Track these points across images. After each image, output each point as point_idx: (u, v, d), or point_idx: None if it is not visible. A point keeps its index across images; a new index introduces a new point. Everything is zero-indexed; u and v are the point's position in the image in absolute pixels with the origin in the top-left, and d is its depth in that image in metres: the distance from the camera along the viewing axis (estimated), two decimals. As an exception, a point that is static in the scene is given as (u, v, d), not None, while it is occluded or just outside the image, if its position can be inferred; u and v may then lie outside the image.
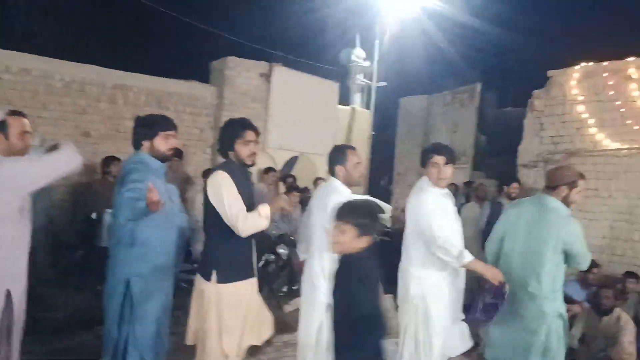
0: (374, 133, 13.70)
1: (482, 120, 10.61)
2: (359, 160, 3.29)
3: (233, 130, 3.03)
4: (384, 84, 14.25)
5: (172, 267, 3.18)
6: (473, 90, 9.77)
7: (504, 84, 14.34)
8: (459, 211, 7.01)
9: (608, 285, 5.02)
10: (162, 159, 3.13)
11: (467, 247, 3.87)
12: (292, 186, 7.51)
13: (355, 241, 2.27)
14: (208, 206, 2.96)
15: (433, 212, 3.24)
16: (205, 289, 2.95)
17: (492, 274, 3.22)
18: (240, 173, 3.00)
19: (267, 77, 9.49)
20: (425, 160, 3.33)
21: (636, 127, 6.62)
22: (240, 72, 9.28)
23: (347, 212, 2.31)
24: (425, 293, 3.27)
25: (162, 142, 3.08)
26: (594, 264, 5.69)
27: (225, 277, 2.92)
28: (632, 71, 6.75)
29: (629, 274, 5.75)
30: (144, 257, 2.98)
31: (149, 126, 3.11)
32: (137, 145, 3.12)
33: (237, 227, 2.82)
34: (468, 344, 3.40)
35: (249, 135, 3.01)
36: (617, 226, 6.73)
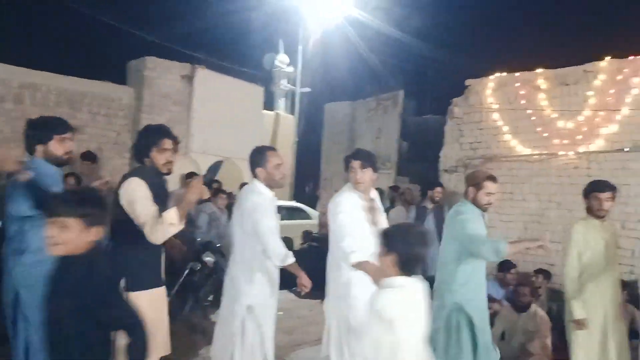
0: (298, 139, 13.71)
1: (404, 127, 10.93)
2: (280, 161, 3.28)
3: (150, 138, 2.96)
4: (308, 89, 14.33)
5: None
6: (396, 97, 10.04)
7: (423, 91, 14.92)
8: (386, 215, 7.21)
9: (524, 283, 5.29)
10: (58, 163, 3.00)
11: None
12: (218, 190, 7.27)
13: (84, 235, 1.94)
14: (117, 212, 2.85)
15: (342, 212, 3.30)
16: None
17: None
18: (155, 180, 2.93)
19: (189, 79, 9.20)
20: (346, 165, 3.44)
21: (545, 134, 7.09)
22: (161, 73, 8.93)
23: (66, 204, 1.94)
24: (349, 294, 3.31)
25: (58, 146, 2.96)
26: (511, 265, 6.00)
27: (133, 285, 2.83)
28: (541, 82, 7.24)
29: (539, 271, 6.13)
30: (35, 266, 2.72)
31: (42, 129, 2.97)
32: (30, 150, 2.99)
33: (146, 234, 2.73)
34: None
35: (166, 143, 2.95)
36: (530, 227, 7.16)
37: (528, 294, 4.94)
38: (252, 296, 3.25)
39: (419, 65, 15.75)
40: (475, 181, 3.53)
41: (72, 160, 3.03)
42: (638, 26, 13.46)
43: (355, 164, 3.31)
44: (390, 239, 2.24)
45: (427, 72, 15.62)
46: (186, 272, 5.89)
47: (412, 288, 2.20)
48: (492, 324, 5.10)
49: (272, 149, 3.38)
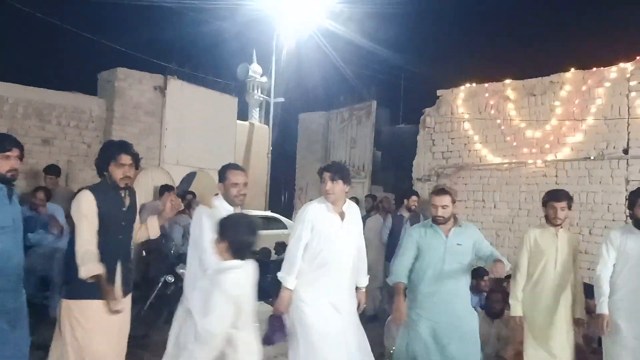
0: (273, 149, 13.70)
1: (378, 137, 11.04)
2: (237, 181, 3.27)
3: (108, 152, 3.12)
4: (282, 99, 14.36)
5: (14, 289, 3.01)
6: (369, 107, 10.15)
7: (397, 102, 15.11)
8: (363, 223, 7.25)
9: (497, 289, 5.38)
10: (2, 181, 2.98)
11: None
12: (190, 203, 7.19)
13: None
14: (69, 221, 3.08)
15: (301, 223, 3.42)
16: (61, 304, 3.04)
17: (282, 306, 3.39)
18: (111, 194, 3.09)
19: (161, 89, 9.10)
20: (319, 176, 3.53)
21: (515, 144, 7.28)
22: (132, 84, 8.80)
23: None
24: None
25: (1, 163, 2.95)
26: (484, 272, 6.10)
27: (73, 293, 2.95)
28: (509, 92, 7.44)
29: (509, 277, 6.23)
30: None
31: None
32: None
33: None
34: None
35: (123, 158, 3.08)
36: (502, 234, 7.31)
37: (501, 300, 5.02)
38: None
39: (393, 76, 15.97)
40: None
41: (15, 177, 3.01)
42: (600, 38, 13.97)
43: (326, 175, 3.41)
44: (223, 228, 2.54)
45: (401, 83, 15.83)
46: (159, 284, 5.81)
47: (248, 269, 2.58)
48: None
49: (235, 168, 3.41)
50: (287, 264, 3.40)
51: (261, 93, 15.01)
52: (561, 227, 3.97)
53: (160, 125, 9.09)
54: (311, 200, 4.16)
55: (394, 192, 8.17)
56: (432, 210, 3.66)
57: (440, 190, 3.72)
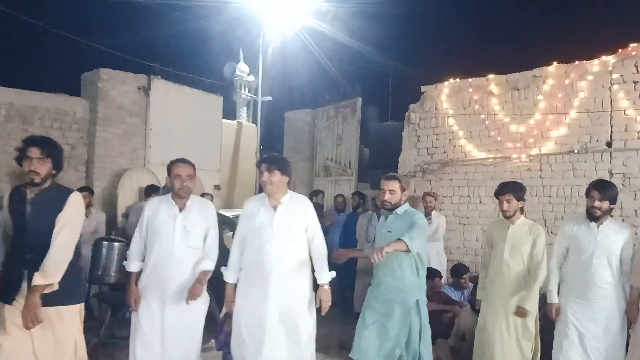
0: (262, 147, 13.64)
1: (365, 134, 11.03)
2: (179, 173, 3.43)
3: (22, 148, 3.04)
4: (269, 98, 14.29)
5: None
6: (354, 104, 10.13)
7: (384, 98, 15.11)
8: (352, 220, 7.25)
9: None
10: None
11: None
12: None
13: None
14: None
15: (239, 221, 3.52)
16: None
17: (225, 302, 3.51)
18: (20, 189, 3.03)
19: (145, 90, 9.03)
20: (258, 169, 3.65)
21: (499, 138, 7.30)
22: (115, 84, 8.74)
23: None
24: None
25: None
26: (464, 270, 6.13)
27: (45, 300, 2.82)
28: (492, 87, 7.46)
29: None
30: None
31: None
32: None
33: None
34: None
35: (30, 151, 2.97)
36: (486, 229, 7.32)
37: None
38: None
39: (381, 73, 15.95)
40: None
41: None
42: (582, 31, 14.06)
43: (263, 166, 3.36)
44: None
45: (387, 80, 15.81)
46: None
47: None
48: (452, 325, 5.21)
49: (180, 161, 3.51)
50: (229, 259, 3.50)
51: (248, 92, 14.94)
52: (519, 218, 4.05)
53: (145, 126, 9.03)
54: None
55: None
56: (380, 195, 3.71)
57: (389, 176, 3.76)
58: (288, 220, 3.35)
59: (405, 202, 3.73)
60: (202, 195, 7.64)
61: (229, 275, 3.46)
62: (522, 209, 4.08)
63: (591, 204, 3.77)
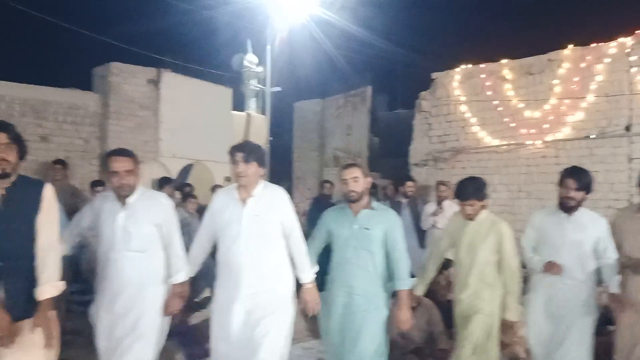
0: (272, 138, 13.61)
1: (375, 123, 10.94)
2: (116, 169, 2.92)
3: None
4: (278, 89, 14.22)
5: None
6: (364, 93, 10.05)
7: (394, 86, 15.01)
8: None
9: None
10: None
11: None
12: (188, 194, 7.14)
13: None
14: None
15: (205, 215, 3.16)
16: None
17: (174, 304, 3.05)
18: None
19: (155, 83, 9.06)
20: (230, 158, 3.09)
21: (513, 125, 7.18)
22: (126, 78, 8.78)
23: None
24: None
25: None
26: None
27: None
28: (506, 72, 7.33)
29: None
30: None
31: None
32: None
33: None
34: None
35: None
36: (502, 218, 7.18)
37: None
38: None
39: (389, 61, 15.80)
40: None
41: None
42: (599, 12, 13.79)
43: (239, 156, 2.97)
44: None
45: (397, 67, 15.69)
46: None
47: None
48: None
49: (117, 153, 3.00)
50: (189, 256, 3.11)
51: (257, 83, 14.88)
52: (481, 215, 3.53)
53: (156, 119, 9.08)
54: (309, 189, 4.01)
55: (392, 178, 8.10)
56: (343, 187, 3.23)
57: (349, 164, 3.35)
58: (259, 215, 2.98)
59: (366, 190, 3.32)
60: (214, 187, 7.64)
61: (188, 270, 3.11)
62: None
63: (565, 193, 3.35)
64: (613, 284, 3.31)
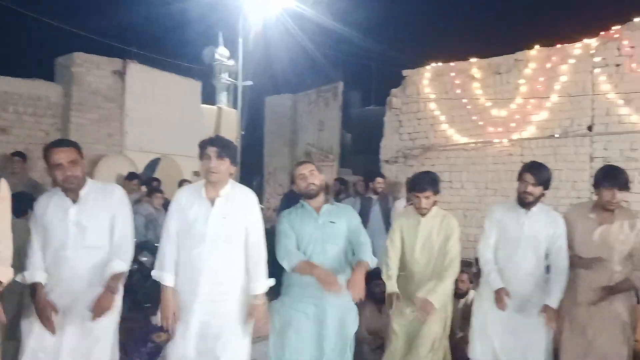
0: (243, 133, 13.48)
1: (347, 119, 10.94)
2: (58, 161, 2.71)
3: None
4: (249, 83, 14.09)
5: None
6: (336, 89, 10.02)
7: (367, 83, 15.02)
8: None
9: (462, 270, 5.37)
10: None
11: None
12: (155, 189, 6.99)
13: None
14: None
15: (167, 216, 2.96)
16: None
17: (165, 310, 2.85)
18: None
19: (120, 74, 8.84)
20: (201, 152, 2.94)
21: (481, 123, 7.26)
22: (90, 69, 8.55)
23: None
24: None
25: None
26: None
27: None
28: (474, 71, 7.39)
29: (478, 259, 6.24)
30: None
31: None
32: None
33: None
34: None
35: None
36: (469, 214, 7.32)
37: (466, 280, 5.03)
38: None
39: (363, 57, 15.82)
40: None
41: None
42: (565, 13, 14.09)
43: (212, 150, 2.81)
44: None
45: (371, 64, 15.71)
46: (122, 273, 5.65)
47: None
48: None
49: (57, 144, 2.80)
50: (157, 260, 2.90)
51: (229, 76, 14.71)
52: (432, 211, 3.57)
53: (121, 111, 8.87)
54: (280, 185, 3.91)
55: (363, 175, 8.11)
56: (300, 182, 3.18)
57: (302, 161, 3.35)
58: (227, 217, 2.81)
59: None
60: (181, 182, 7.50)
61: (165, 277, 2.81)
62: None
63: (523, 188, 3.34)
64: (554, 297, 3.26)
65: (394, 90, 8.27)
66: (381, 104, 9.06)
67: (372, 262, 3.12)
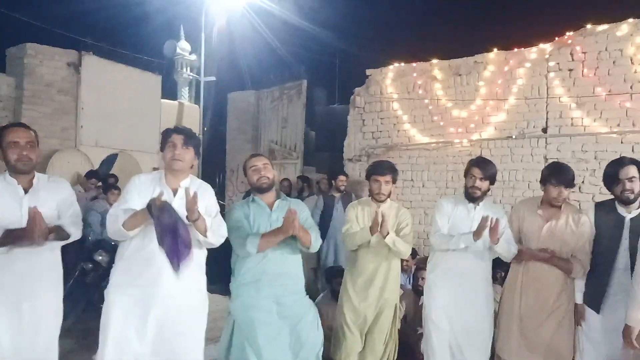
0: (205, 129, 13.27)
1: (311, 117, 10.91)
2: (15, 139, 2.71)
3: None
4: (212, 78, 13.88)
5: None
6: (300, 86, 9.97)
7: (332, 81, 15.04)
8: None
9: (423, 267, 5.45)
10: None
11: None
12: (111, 185, 6.78)
13: None
14: None
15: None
16: None
17: None
18: None
19: (75, 67, 8.53)
20: (164, 140, 2.92)
21: (442, 123, 7.38)
22: (43, 60, 8.22)
23: None
24: None
25: None
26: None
27: None
28: (436, 72, 7.51)
29: None
30: None
31: None
32: None
33: None
34: None
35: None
36: (430, 212, 7.43)
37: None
38: None
39: (327, 55, 15.85)
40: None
41: None
42: (522, 18, 14.50)
43: (177, 138, 2.76)
44: None
45: (335, 62, 15.75)
46: (77, 272, 5.50)
47: None
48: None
49: (16, 125, 2.80)
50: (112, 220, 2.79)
51: (191, 71, 14.45)
52: (387, 202, 3.71)
53: (76, 105, 8.57)
54: (243, 182, 3.77)
55: (326, 173, 8.11)
56: (252, 175, 3.16)
57: (255, 154, 3.36)
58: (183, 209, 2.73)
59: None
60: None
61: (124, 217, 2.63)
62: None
63: (471, 183, 3.45)
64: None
65: (357, 89, 8.31)
66: (345, 103, 9.09)
67: (315, 242, 3.15)
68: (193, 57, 14.24)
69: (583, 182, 6.19)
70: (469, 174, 3.48)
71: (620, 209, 3.18)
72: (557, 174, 3.32)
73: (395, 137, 7.85)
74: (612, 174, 3.15)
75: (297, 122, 10.01)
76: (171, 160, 2.76)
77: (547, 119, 6.59)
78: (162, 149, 2.83)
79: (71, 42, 8.82)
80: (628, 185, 3.07)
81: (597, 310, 3.18)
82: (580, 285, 3.32)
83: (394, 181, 3.67)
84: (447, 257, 3.51)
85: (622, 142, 6.09)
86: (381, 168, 3.62)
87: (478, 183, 3.42)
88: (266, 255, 3.08)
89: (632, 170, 3.10)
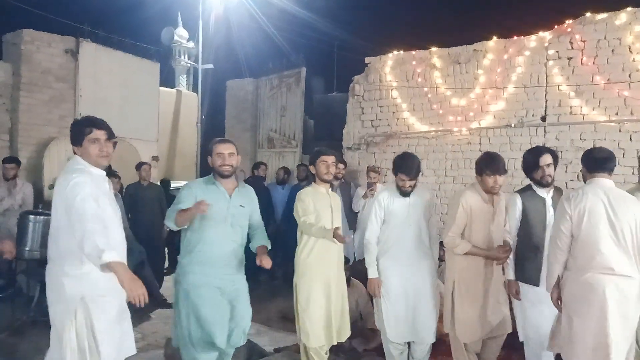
0: (203, 117, 13.23)
1: (310, 105, 10.86)
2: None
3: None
4: (210, 66, 13.80)
5: None
6: (299, 74, 9.92)
7: (330, 69, 14.96)
8: (297, 192, 7.15)
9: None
10: None
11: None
12: (110, 173, 6.76)
13: None
14: None
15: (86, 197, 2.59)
16: None
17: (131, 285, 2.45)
18: None
19: (73, 54, 8.46)
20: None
21: (441, 112, 7.38)
22: (40, 47, 8.15)
23: None
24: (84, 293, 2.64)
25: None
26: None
27: None
28: (435, 60, 7.49)
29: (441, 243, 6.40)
30: None
31: None
32: None
33: None
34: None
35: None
36: (428, 201, 7.45)
37: None
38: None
39: (326, 43, 15.75)
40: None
41: None
42: (522, 6, 14.42)
43: (100, 134, 2.82)
44: None
45: (334, 50, 15.65)
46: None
47: None
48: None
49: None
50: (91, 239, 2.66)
51: (188, 59, 14.37)
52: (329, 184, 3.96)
53: (74, 92, 8.51)
54: (242, 170, 3.83)
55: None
56: (216, 159, 3.28)
57: (224, 139, 3.43)
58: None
59: None
60: (138, 165, 7.29)
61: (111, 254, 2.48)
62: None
63: (402, 185, 3.75)
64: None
65: (356, 77, 8.28)
66: (344, 91, 9.06)
67: (267, 243, 3.47)
68: (191, 44, 14.14)
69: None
70: (399, 176, 3.78)
71: (540, 191, 3.60)
72: (491, 165, 3.58)
73: (394, 125, 7.85)
74: (533, 162, 3.56)
75: (296, 110, 9.98)
76: (98, 157, 2.83)
77: (546, 107, 6.60)
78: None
79: (69, 29, 8.74)
80: (547, 170, 3.53)
81: (537, 284, 3.48)
82: (511, 263, 3.62)
83: (337, 164, 4.29)
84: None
85: (620, 131, 6.11)
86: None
87: (408, 183, 3.75)
88: (214, 239, 3.26)
89: (548, 157, 3.56)
